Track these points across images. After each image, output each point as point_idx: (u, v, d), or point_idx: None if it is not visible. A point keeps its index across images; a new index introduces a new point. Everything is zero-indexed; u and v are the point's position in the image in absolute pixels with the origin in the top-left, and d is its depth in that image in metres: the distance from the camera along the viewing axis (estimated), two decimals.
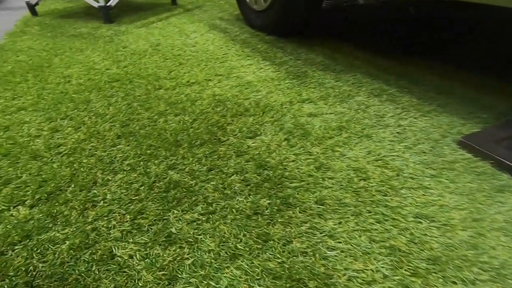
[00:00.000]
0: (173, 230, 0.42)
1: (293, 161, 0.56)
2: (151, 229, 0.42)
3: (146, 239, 0.41)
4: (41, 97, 0.82)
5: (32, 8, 1.86)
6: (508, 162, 0.51)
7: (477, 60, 0.97)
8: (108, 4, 1.64)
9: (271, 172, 0.53)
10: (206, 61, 1.05)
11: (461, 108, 0.72)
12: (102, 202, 0.47)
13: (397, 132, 0.63)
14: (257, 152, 0.58)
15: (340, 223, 0.43)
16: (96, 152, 0.59)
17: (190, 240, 0.41)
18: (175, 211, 0.45)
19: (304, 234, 0.41)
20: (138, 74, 0.95)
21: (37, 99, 0.81)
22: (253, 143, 0.61)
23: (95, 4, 1.63)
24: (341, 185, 0.49)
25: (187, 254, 0.39)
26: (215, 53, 1.13)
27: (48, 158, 0.57)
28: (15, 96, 0.82)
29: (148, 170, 0.54)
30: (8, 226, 0.43)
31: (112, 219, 0.44)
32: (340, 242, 0.40)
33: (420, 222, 0.42)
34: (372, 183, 0.50)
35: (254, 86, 0.86)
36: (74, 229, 0.43)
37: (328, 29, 1.37)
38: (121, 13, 1.82)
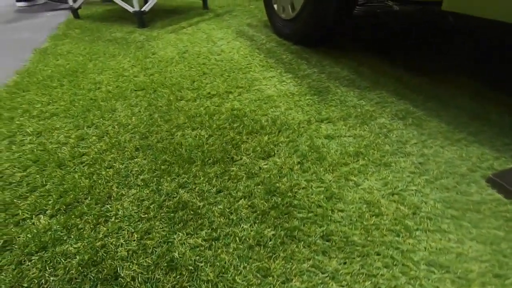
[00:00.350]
0: (176, 254, 0.43)
1: (303, 188, 0.54)
2: (156, 251, 0.44)
3: (149, 261, 0.42)
4: (73, 103, 0.87)
5: (74, 11, 1.99)
6: None
7: None
8: (142, 10, 1.70)
9: (279, 199, 0.52)
10: (229, 71, 1.06)
11: (495, 137, 0.66)
12: (114, 218, 0.49)
13: (419, 163, 0.59)
14: (268, 175, 0.57)
15: (345, 263, 0.41)
16: (114, 164, 0.62)
17: (191, 267, 0.41)
18: (180, 234, 0.46)
19: (306, 272, 0.40)
20: (162, 83, 0.98)
21: (69, 105, 0.86)
22: (265, 164, 0.61)
23: (130, 9, 1.71)
24: (351, 220, 0.47)
25: (186, 282, 0.39)
26: (239, 62, 1.13)
27: (71, 167, 0.61)
28: (50, 101, 0.88)
29: (160, 187, 0.55)
30: (28, 235, 0.46)
31: (121, 236, 0.46)
32: (342, 286, 0.38)
33: (433, 272, 0.40)
34: (384, 220, 0.47)
35: (273, 101, 0.85)
36: (86, 243, 0.45)
37: (358, 37, 1.32)
38: (154, 17, 1.89)
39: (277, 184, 0.55)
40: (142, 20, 1.72)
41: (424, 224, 0.46)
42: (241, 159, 0.62)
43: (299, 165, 0.60)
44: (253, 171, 0.59)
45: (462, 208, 0.49)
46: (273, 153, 0.63)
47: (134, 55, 1.25)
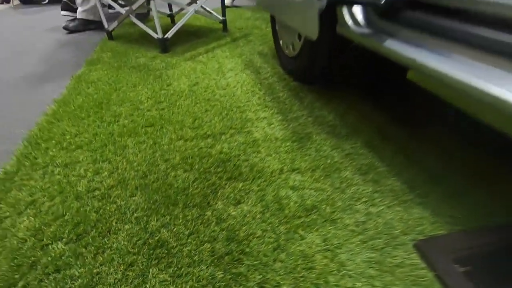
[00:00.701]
0: (148, 286, 0.58)
1: (258, 237, 0.67)
2: (134, 281, 0.59)
3: None
4: (95, 136, 1.06)
5: (109, 33, 2.24)
6: (444, 278, 0.55)
7: (496, 140, 0.93)
8: (165, 37, 1.90)
9: (235, 245, 0.65)
10: (228, 109, 1.20)
11: (442, 201, 0.74)
12: (109, 249, 0.65)
13: (361, 221, 0.70)
14: (233, 222, 0.71)
15: None
16: (117, 200, 0.78)
17: None
18: (154, 269, 0.61)
19: None
20: (169, 120, 1.14)
21: (92, 138, 1.05)
22: (234, 211, 0.74)
23: (155, 36, 1.91)
24: (285, 271, 0.60)
25: None
26: (239, 99, 1.27)
27: (85, 200, 0.79)
28: (78, 133, 1.08)
29: (147, 225, 0.71)
30: (48, 258, 0.64)
31: (111, 266, 0.62)
32: None
33: None
34: (312, 274, 0.59)
35: (257, 145, 0.98)
36: (86, 269, 0.61)
37: (357, 75, 1.41)
38: (177, 40, 2.07)
39: (237, 232, 0.68)
40: (165, 46, 1.92)
41: (343, 281, 0.57)
42: (215, 204, 0.76)
43: (260, 214, 0.73)
44: (222, 217, 0.72)
45: (381, 269, 0.60)
46: (243, 201, 0.77)
47: (152, 86, 1.43)
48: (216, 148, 0.98)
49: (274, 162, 0.90)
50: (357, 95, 1.25)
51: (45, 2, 4.22)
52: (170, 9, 2.61)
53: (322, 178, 0.83)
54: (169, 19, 2.66)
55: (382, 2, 0.72)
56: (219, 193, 0.79)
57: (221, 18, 2.34)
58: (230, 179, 0.84)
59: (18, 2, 4.38)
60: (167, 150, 0.97)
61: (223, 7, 2.33)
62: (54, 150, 1.00)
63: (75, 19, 2.53)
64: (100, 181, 0.86)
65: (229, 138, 1.02)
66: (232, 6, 3.32)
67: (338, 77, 1.29)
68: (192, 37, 2.22)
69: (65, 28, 2.50)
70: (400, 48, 0.70)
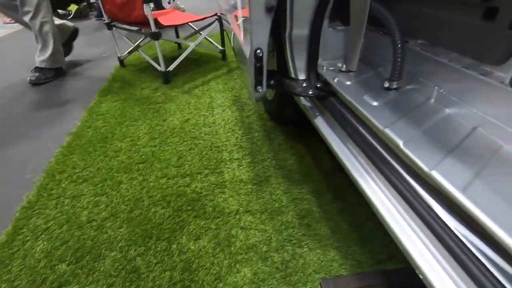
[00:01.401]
0: None
1: (206, 268, 0.90)
2: None
3: None
4: (98, 170, 1.32)
5: (121, 61, 2.53)
6: None
7: None
8: (167, 70, 2.16)
9: (187, 274, 0.88)
10: (209, 148, 1.43)
11: (355, 246, 0.94)
12: (97, 272, 0.90)
13: (287, 260, 0.91)
14: (190, 255, 0.94)
15: None
16: (108, 231, 1.03)
17: None
18: None
19: None
20: (158, 157, 1.39)
21: (95, 172, 1.31)
22: (193, 246, 0.97)
23: (158, 68, 2.17)
24: None
25: None
26: (220, 139, 1.50)
27: (84, 230, 1.04)
28: (85, 167, 1.35)
29: (127, 254, 0.95)
30: (55, 276, 0.89)
31: (98, 285, 0.86)
32: None
33: None
34: None
35: (224, 186, 1.20)
36: (80, 287, 0.86)
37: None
38: (179, 69, 2.30)
39: (192, 263, 0.91)
40: (167, 78, 2.18)
41: None
42: (181, 238, 1.00)
43: (212, 250, 0.95)
44: (183, 250, 0.96)
45: None
46: (202, 237, 1.00)
47: (150, 120, 1.69)
48: (191, 187, 1.21)
49: (234, 203, 1.12)
50: (315, 138, 1.45)
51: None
52: (177, 36, 2.87)
53: (267, 220, 1.05)
54: (176, 45, 2.92)
55: (310, 92, 0.93)
56: (185, 229, 1.03)
57: (220, 48, 2.59)
58: (196, 217, 1.07)
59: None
60: (152, 187, 1.21)
61: (222, 37, 2.57)
62: (65, 182, 1.26)
63: (36, 69, 2.27)
64: (98, 213, 1.11)
65: (203, 178, 1.26)
66: None
67: (304, 123, 1.49)
68: (193, 66, 2.48)
69: (30, 82, 2.24)
70: (320, 125, 0.91)
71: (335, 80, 0.90)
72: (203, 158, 1.37)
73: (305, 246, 0.95)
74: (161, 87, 2.12)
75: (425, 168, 0.53)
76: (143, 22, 1.97)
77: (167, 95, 1.99)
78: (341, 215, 1.05)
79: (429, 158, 0.56)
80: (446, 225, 0.51)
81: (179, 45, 2.92)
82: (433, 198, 0.55)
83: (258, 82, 0.88)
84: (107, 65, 2.60)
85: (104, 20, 2.28)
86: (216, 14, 2.33)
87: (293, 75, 1.01)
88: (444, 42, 0.74)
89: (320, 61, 1.02)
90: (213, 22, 2.33)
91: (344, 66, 0.95)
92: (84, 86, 2.22)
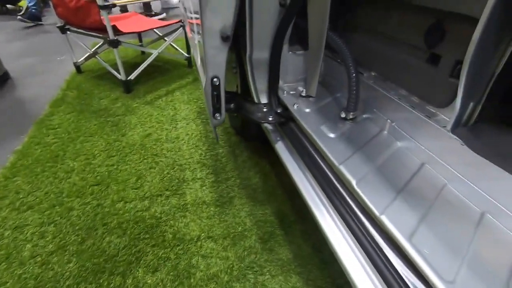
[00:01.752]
0: None
1: None
2: None
3: None
4: (46, 195, 1.21)
5: (77, 67, 2.36)
6: None
7: None
8: (128, 79, 2.05)
9: None
10: (171, 167, 1.37)
11: (316, 271, 0.95)
12: None
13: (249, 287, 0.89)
14: None
15: None
16: (55, 267, 0.94)
17: None
18: None
19: None
20: (116, 178, 1.31)
21: (43, 197, 1.20)
22: (150, 279, 0.92)
23: (118, 77, 2.05)
24: None
25: None
26: (183, 156, 1.45)
27: (27, 267, 0.94)
28: (31, 191, 1.23)
29: None
30: None
31: None
32: None
33: None
34: None
35: (186, 209, 1.16)
36: None
37: None
38: (141, 77, 2.18)
39: None
40: (128, 87, 2.07)
41: None
42: (137, 271, 0.94)
43: (171, 283, 0.91)
44: (139, 285, 0.90)
45: None
46: (159, 269, 0.95)
47: (107, 136, 1.59)
48: (150, 211, 1.15)
49: (195, 228, 1.08)
50: None
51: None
52: (140, 40, 2.74)
53: (230, 246, 1.02)
54: (139, 51, 2.79)
55: (270, 119, 0.92)
56: (142, 261, 0.97)
57: (186, 55, 2.51)
58: (154, 246, 1.02)
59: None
60: (107, 213, 1.14)
61: (187, 44, 2.50)
62: (6, 210, 1.14)
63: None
64: (43, 246, 1.01)
65: (163, 200, 1.20)
66: None
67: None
68: (156, 73, 2.38)
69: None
70: (280, 151, 0.90)
71: (295, 107, 0.89)
72: (164, 178, 1.31)
73: (267, 273, 0.94)
74: (121, 97, 2.01)
75: (376, 212, 0.54)
76: (100, 28, 1.85)
77: (128, 106, 1.89)
78: (303, 237, 1.05)
79: (380, 200, 0.57)
80: (394, 268, 0.52)
81: (142, 50, 2.79)
82: (383, 239, 0.56)
83: (216, 110, 0.85)
84: (61, 71, 2.42)
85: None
86: (180, 21, 2.26)
87: (254, 98, 1.00)
88: (394, 79, 0.77)
89: (281, 83, 1.01)
90: (178, 28, 2.26)
91: (304, 91, 0.96)
92: (33, 95, 2.04)
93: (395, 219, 0.52)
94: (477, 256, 0.46)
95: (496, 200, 0.53)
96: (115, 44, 1.87)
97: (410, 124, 0.68)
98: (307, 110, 0.88)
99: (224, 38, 0.73)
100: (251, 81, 0.99)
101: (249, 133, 1.53)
